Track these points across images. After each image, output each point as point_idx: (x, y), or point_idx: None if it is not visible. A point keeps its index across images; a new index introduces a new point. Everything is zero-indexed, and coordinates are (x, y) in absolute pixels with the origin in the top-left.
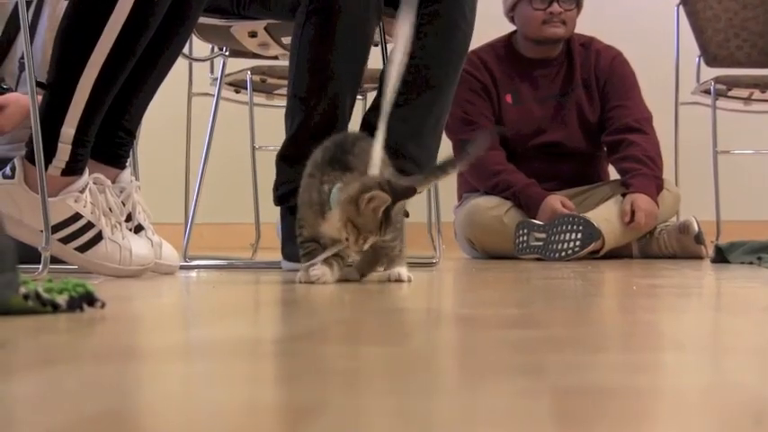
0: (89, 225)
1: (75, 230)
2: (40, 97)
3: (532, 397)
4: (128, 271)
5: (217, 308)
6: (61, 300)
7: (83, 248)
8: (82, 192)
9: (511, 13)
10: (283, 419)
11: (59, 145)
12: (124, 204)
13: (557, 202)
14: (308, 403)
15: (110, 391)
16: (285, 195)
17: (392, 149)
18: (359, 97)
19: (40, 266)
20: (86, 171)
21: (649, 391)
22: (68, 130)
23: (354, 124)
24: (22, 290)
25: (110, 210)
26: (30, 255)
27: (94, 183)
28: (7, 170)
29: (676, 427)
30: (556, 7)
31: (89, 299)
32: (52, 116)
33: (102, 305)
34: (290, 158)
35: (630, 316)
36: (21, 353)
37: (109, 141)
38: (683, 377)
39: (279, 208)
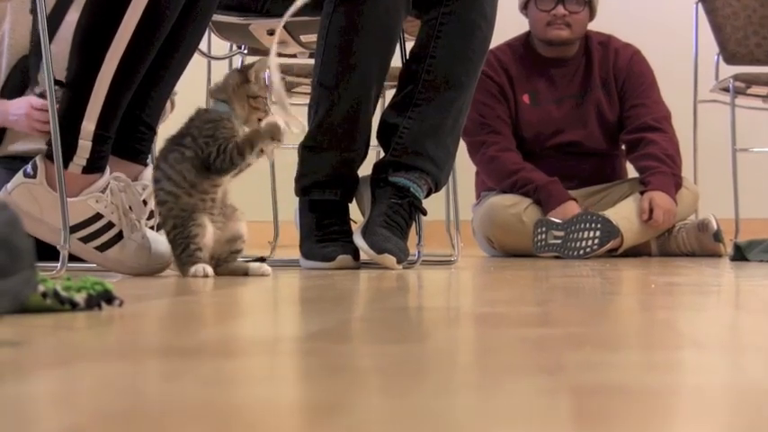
0: (109, 225)
1: (96, 230)
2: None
3: (551, 395)
4: (147, 269)
5: (235, 306)
6: (79, 298)
7: (102, 248)
8: (103, 191)
9: (523, 11)
10: (302, 418)
11: (80, 142)
12: (146, 203)
13: (576, 209)
14: (326, 402)
15: (128, 389)
16: (308, 187)
17: (410, 148)
18: None
19: (59, 264)
20: (107, 170)
21: (668, 390)
22: (89, 126)
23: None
24: (41, 288)
25: (130, 208)
26: (49, 253)
27: (115, 181)
28: (29, 169)
29: (695, 425)
30: (560, 10)
31: (107, 297)
32: (72, 113)
33: (121, 303)
34: (315, 148)
35: (649, 314)
36: (39, 351)
37: (129, 136)
38: (702, 376)
39: (296, 203)
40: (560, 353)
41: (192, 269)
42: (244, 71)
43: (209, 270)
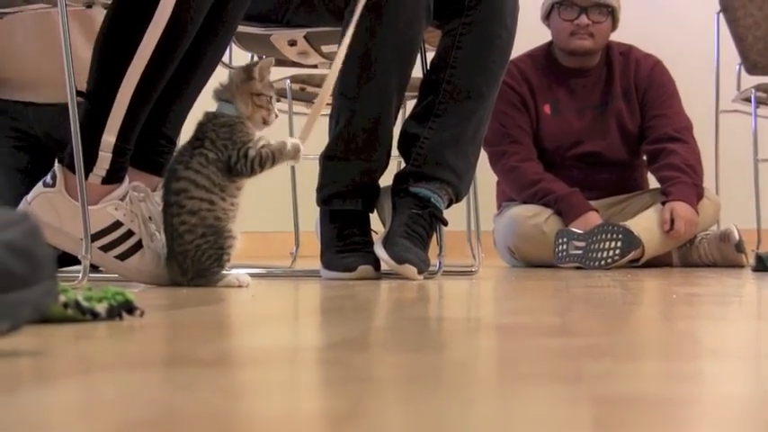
0: (129, 233)
1: (116, 238)
2: None
3: (571, 405)
4: (166, 279)
5: (256, 316)
6: (100, 308)
7: (123, 256)
8: (122, 200)
9: (546, 21)
10: (322, 427)
11: (100, 153)
12: None
13: (597, 220)
14: (346, 411)
15: (148, 399)
16: (329, 197)
17: (431, 158)
18: None
19: (80, 275)
20: (126, 179)
21: (689, 400)
22: (109, 138)
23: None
24: (62, 298)
25: (149, 218)
26: (68, 260)
27: (134, 191)
28: (48, 178)
29: None
30: (584, 19)
31: (128, 307)
32: (92, 125)
33: (142, 314)
34: (336, 158)
35: (670, 324)
36: (60, 361)
37: (150, 149)
38: (723, 386)
39: (317, 213)
40: (581, 363)
41: (226, 279)
42: (248, 68)
43: (247, 280)
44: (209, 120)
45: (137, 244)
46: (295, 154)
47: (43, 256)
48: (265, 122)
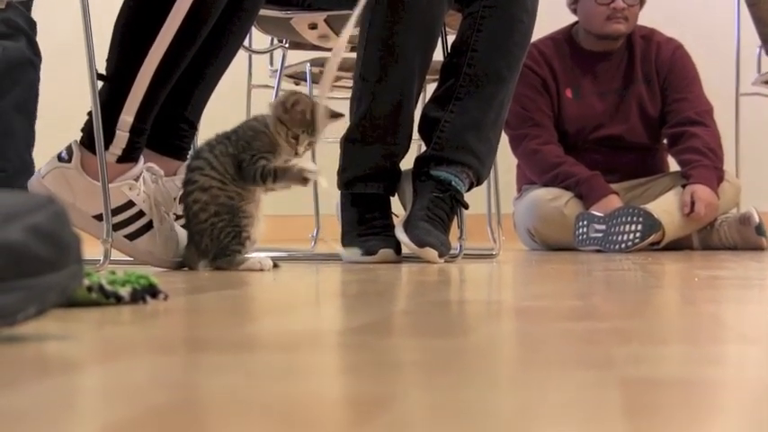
0: (140, 213)
1: (127, 218)
2: None
3: (600, 389)
4: (173, 263)
5: (278, 300)
6: (124, 292)
7: (132, 236)
8: (136, 180)
9: (573, 5)
10: (348, 412)
11: (117, 132)
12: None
13: (618, 203)
14: (372, 396)
15: (174, 383)
16: (351, 181)
17: (452, 142)
18: None
19: (101, 259)
20: (141, 159)
21: (715, 383)
22: (127, 118)
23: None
24: (86, 282)
25: (160, 200)
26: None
27: (148, 172)
28: (63, 153)
29: (743, 418)
30: (619, 3)
31: (152, 291)
32: (111, 104)
33: (165, 297)
34: (358, 141)
35: (694, 308)
36: (84, 345)
37: (171, 133)
38: (749, 369)
39: (338, 196)
40: (607, 346)
41: (248, 263)
42: (282, 105)
43: (269, 263)
44: (249, 120)
45: (147, 225)
46: (298, 177)
47: (69, 239)
48: (296, 154)
